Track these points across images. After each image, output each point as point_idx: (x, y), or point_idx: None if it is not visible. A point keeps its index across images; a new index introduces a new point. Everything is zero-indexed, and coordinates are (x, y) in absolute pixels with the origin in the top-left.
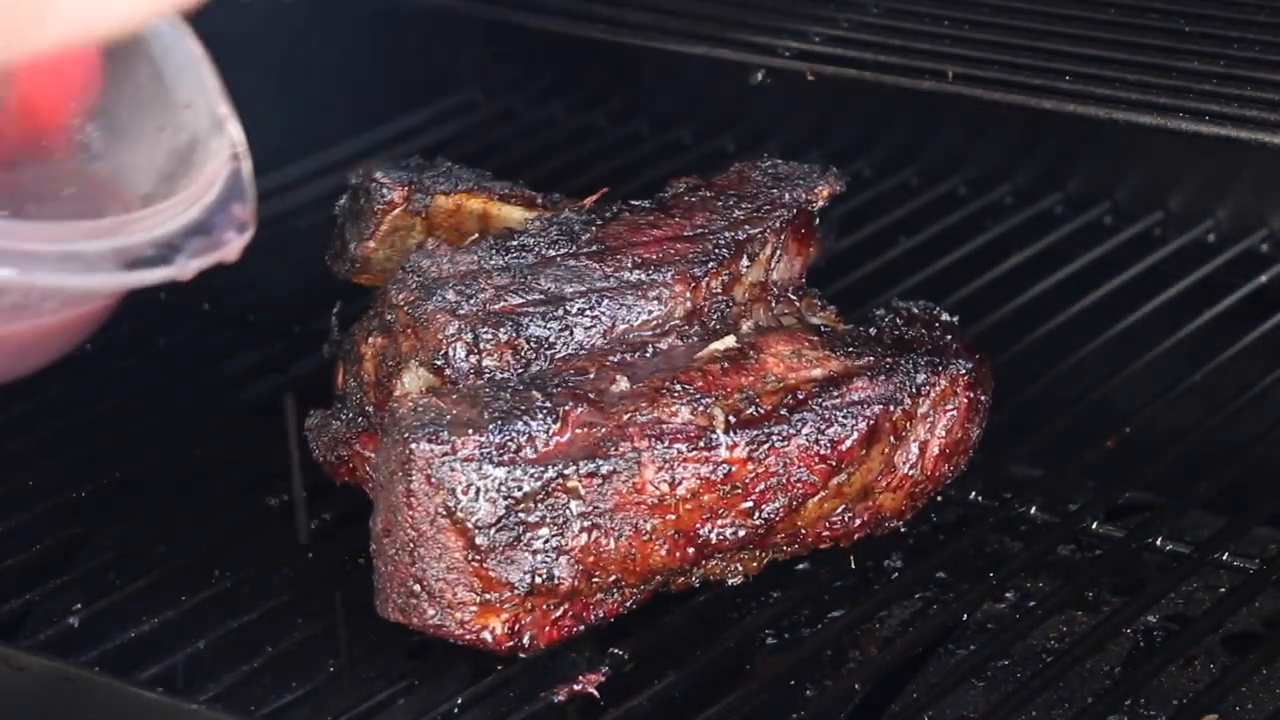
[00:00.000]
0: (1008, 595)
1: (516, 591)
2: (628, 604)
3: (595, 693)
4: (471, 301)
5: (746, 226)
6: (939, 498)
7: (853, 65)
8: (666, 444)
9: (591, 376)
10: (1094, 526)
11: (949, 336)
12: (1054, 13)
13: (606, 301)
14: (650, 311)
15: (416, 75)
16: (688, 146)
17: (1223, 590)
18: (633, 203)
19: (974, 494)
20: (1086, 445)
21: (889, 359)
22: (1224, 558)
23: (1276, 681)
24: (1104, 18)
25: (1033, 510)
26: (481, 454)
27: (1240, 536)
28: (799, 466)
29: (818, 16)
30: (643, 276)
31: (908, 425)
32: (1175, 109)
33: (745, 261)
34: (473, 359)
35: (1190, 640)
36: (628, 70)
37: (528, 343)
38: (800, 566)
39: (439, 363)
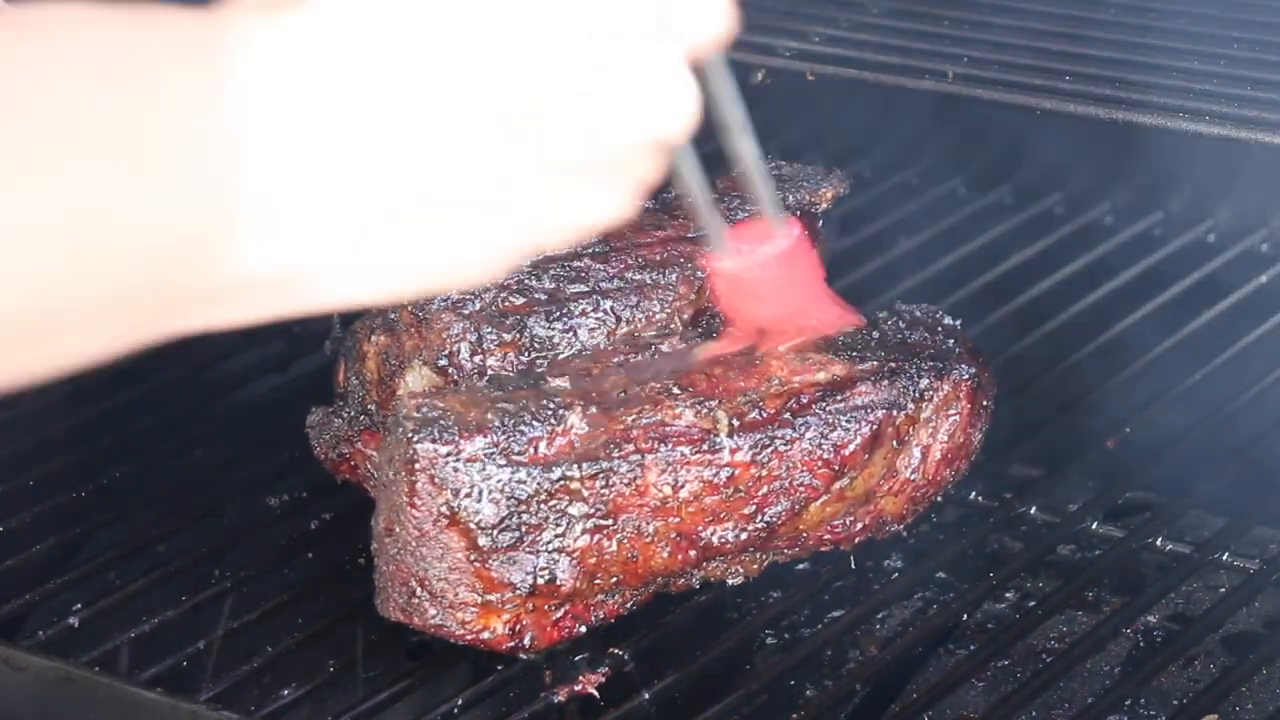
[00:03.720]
0: (1008, 595)
1: (518, 592)
2: (628, 605)
3: (595, 693)
4: (476, 301)
5: None
6: (939, 498)
7: (853, 65)
8: (670, 446)
9: (595, 378)
10: (1094, 526)
11: (952, 341)
12: (1054, 13)
13: (610, 302)
14: (654, 313)
15: None
16: None
17: (1223, 590)
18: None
19: (974, 494)
20: (1086, 445)
21: (892, 363)
22: (1224, 558)
23: (1276, 681)
24: (1104, 18)
25: (1033, 510)
26: (485, 455)
27: (1240, 536)
28: (802, 470)
29: (818, 16)
30: (646, 278)
31: (910, 430)
32: (1175, 109)
33: None
34: (476, 359)
35: (1190, 640)
36: None
37: (531, 343)
38: (800, 566)
39: (443, 362)
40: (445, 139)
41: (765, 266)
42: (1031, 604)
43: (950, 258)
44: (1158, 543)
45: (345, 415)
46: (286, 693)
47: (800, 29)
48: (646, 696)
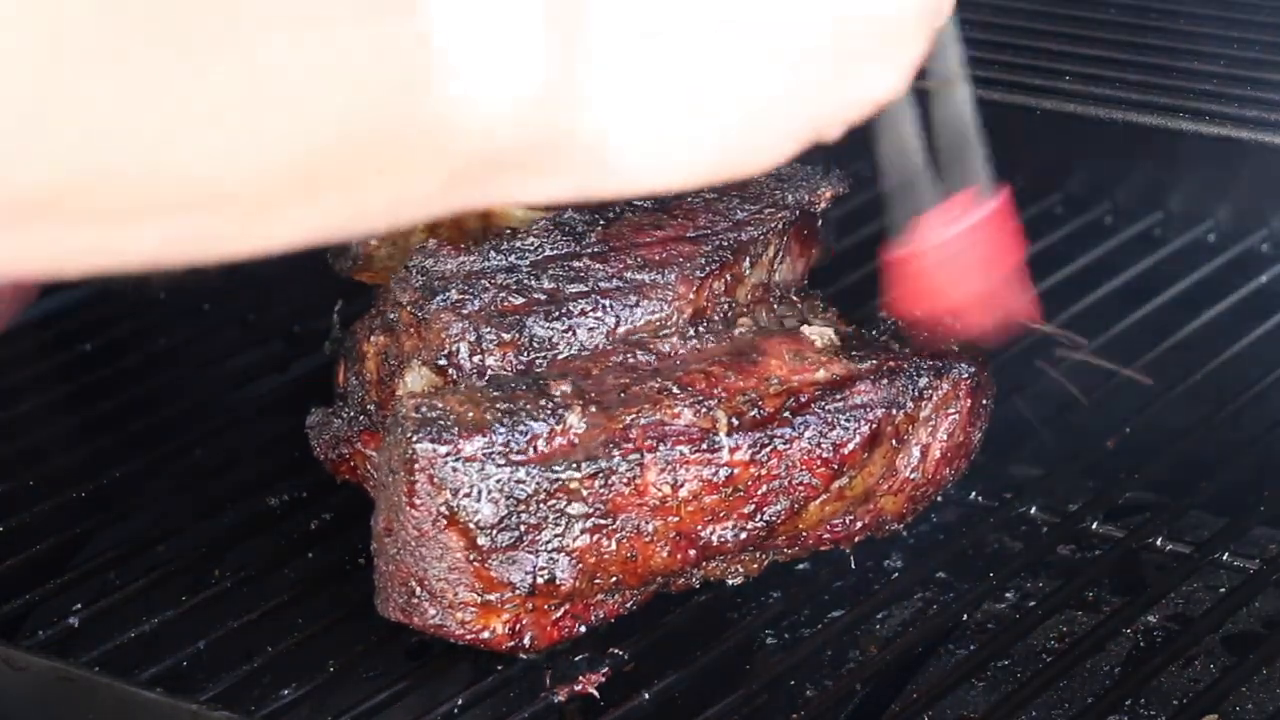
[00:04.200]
0: (1008, 595)
1: (518, 592)
2: (628, 605)
3: (595, 693)
4: (475, 301)
5: (749, 228)
6: (939, 498)
7: None
8: (669, 446)
9: (594, 377)
10: (1094, 526)
11: (951, 340)
12: (1054, 13)
13: (609, 302)
14: (653, 312)
15: None
16: None
17: (1223, 590)
18: (635, 203)
19: (974, 494)
20: (1086, 445)
21: (891, 362)
22: (1224, 558)
23: (1276, 681)
24: (1104, 18)
25: (1033, 510)
26: (484, 454)
27: (1240, 536)
28: (801, 469)
29: None
30: (645, 277)
31: (910, 429)
32: (1175, 109)
33: (748, 263)
34: (476, 359)
35: (1190, 640)
36: None
37: (530, 343)
38: (800, 567)
39: (442, 362)
40: (745, 10)
41: (966, 238)
42: (1031, 604)
43: None
44: (1158, 543)
45: (345, 415)
46: (286, 693)
47: None
48: (646, 696)
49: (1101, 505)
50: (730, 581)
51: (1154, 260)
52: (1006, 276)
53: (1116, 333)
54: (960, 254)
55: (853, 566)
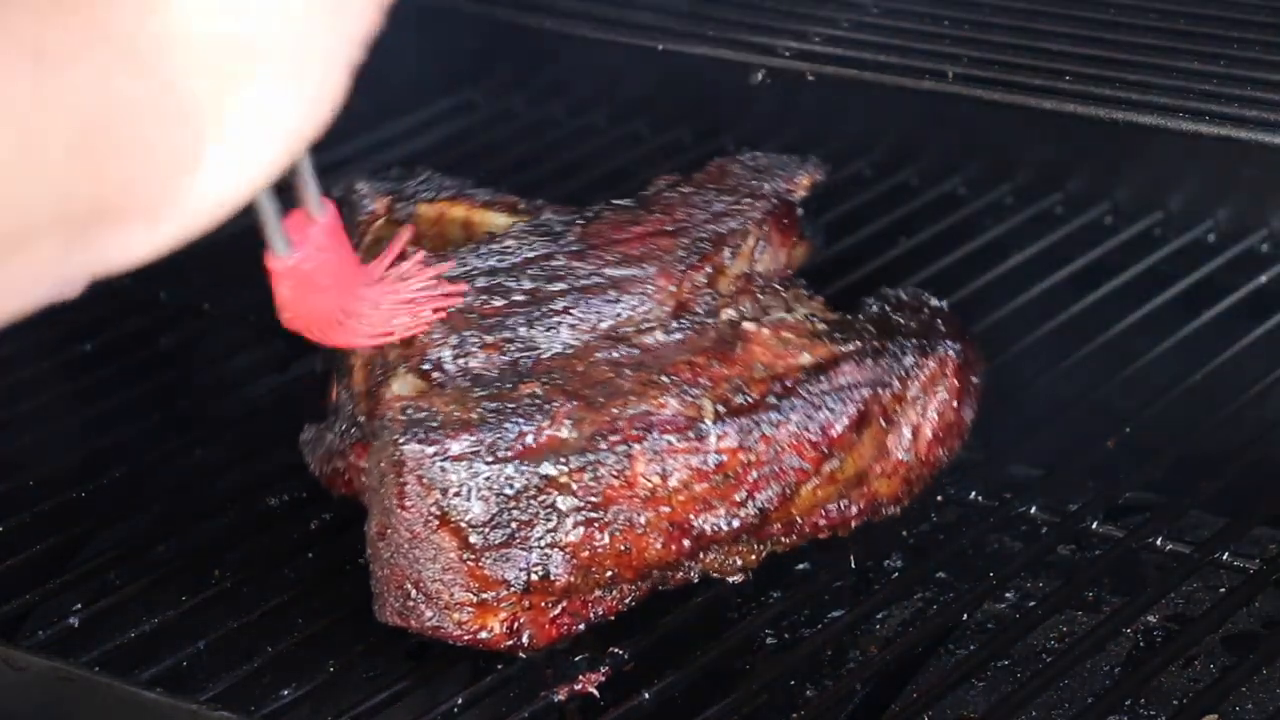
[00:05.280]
0: (1008, 595)
1: (513, 589)
2: (626, 601)
3: (595, 692)
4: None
5: (727, 219)
6: (939, 497)
7: (853, 65)
8: (656, 435)
9: (579, 373)
10: (1094, 526)
11: (937, 320)
12: (1054, 13)
13: (590, 299)
14: (634, 307)
15: (415, 75)
16: (687, 147)
17: (1223, 590)
18: (614, 202)
19: (974, 494)
20: (1086, 445)
21: (876, 343)
22: (1224, 558)
23: (1276, 681)
24: (1104, 18)
25: (1033, 510)
26: (472, 453)
27: (1240, 536)
28: (790, 454)
29: (818, 16)
30: (625, 273)
31: (898, 409)
32: (1175, 109)
33: (728, 254)
34: (460, 362)
35: (1190, 640)
36: (627, 70)
37: (513, 344)
38: (800, 567)
39: (427, 367)
40: None
41: (320, 251)
42: (1031, 604)
43: (950, 258)
44: (1158, 543)
45: (337, 430)
46: (286, 693)
47: (800, 29)
48: (646, 696)
49: (1101, 505)
50: (730, 578)
51: (1154, 260)
52: (356, 289)
53: (1116, 333)
54: (312, 269)
55: (853, 566)
